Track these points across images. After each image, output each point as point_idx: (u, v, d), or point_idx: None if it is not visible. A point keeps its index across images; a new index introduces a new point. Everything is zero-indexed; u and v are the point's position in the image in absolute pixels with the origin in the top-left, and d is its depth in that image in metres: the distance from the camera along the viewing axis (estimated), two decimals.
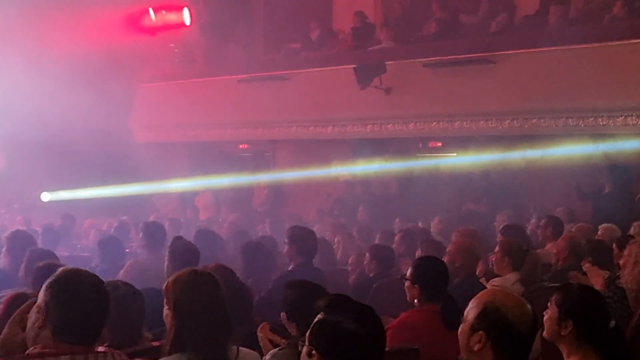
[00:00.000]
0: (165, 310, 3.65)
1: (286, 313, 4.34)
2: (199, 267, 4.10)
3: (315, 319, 2.79)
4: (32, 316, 3.10)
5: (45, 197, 15.95)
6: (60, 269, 3.21)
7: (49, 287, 3.11)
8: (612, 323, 3.69)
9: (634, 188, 11.25)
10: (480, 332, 3.08)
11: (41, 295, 3.12)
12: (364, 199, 14.07)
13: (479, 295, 3.24)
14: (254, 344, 4.07)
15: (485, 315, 3.09)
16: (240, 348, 3.69)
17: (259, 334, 4.51)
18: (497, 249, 6.82)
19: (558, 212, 10.68)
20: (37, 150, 14.73)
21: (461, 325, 3.19)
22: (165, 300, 3.67)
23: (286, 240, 6.84)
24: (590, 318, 3.63)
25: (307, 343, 2.77)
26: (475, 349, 3.09)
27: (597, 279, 5.92)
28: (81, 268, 3.33)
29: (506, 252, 6.68)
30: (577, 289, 3.82)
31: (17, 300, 3.89)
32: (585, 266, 6.94)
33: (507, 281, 6.38)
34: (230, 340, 3.63)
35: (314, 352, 2.73)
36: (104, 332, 4.03)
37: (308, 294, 4.24)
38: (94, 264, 7.81)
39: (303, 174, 15.32)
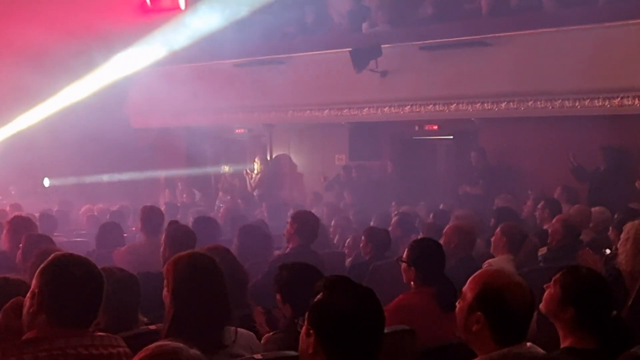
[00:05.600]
0: (165, 292, 3.63)
1: (280, 295, 4.31)
2: (198, 250, 4.10)
3: (315, 300, 2.79)
4: (27, 302, 3.11)
5: (47, 183, 15.99)
6: (52, 255, 3.20)
7: (42, 272, 3.11)
8: (614, 314, 3.69)
9: (630, 169, 11.27)
10: (479, 313, 3.09)
11: (34, 281, 3.12)
12: (359, 182, 14.10)
13: (478, 274, 3.25)
14: (248, 327, 4.08)
15: (485, 297, 3.10)
16: (238, 329, 3.69)
17: (256, 319, 4.48)
18: (497, 229, 6.82)
19: (557, 192, 10.72)
20: (35, 137, 14.77)
21: (459, 303, 3.20)
22: (165, 282, 3.66)
23: (289, 219, 6.85)
24: (592, 308, 3.56)
25: (305, 323, 2.78)
26: (474, 329, 3.11)
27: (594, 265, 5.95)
28: (73, 252, 3.32)
29: (505, 233, 6.68)
30: (584, 276, 3.67)
31: None
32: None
33: (501, 262, 6.34)
34: (228, 323, 3.63)
35: (312, 332, 2.74)
36: (99, 316, 4.05)
37: (302, 275, 4.24)
38: (90, 249, 7.80)
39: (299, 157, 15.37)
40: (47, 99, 15.46)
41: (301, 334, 2.79)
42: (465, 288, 3.20)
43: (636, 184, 10.59)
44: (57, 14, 14.60)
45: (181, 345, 2.48)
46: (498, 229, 6.83)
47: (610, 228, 7.52)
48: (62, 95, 15.60)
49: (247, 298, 4.75)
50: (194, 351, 2.46)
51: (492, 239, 6.85)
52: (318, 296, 2.80)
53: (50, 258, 3.16)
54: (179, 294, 3.54)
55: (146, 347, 2.48)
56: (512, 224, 7.10)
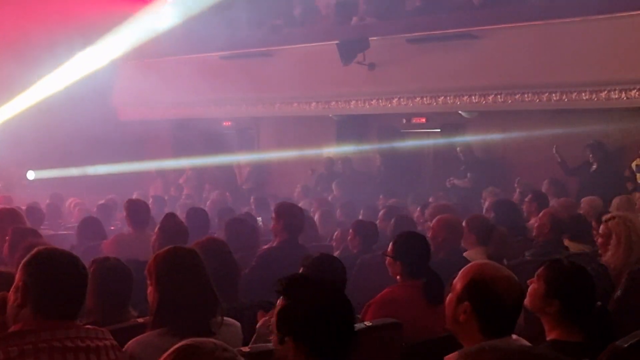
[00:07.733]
0: (149, 289, 3.68)
1: (304, 268, 4.38)
2: (180, 244, 4.12)
3: (277, 307, 2.79)
4: (11, 296, 3.12)
5: (31, 175, 15.92)
6: (35, 248, 3.23)
7: (26, 266, 3.13)
8: (598, 304, 3.71)
9: (618, 163, 11.31)
10: (467, 303, 3.10)
11: (18, 274, 3.14)
12: (346, 175, 14.10)
13: (468, 266, 3.26)
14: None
15: (472, 287, 3.11)
16: (225, 318, 3.72)
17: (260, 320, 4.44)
18: (463, 223, 6.60)
19: (544, 186, 10.72)
20: (21, 130, 14.69)
21: (449, 295, 3.22)
22: (148, 278, 3.70)
23: (273, 215, 6.82)
24: (577, 299, 3.58)
25: (276, 331, 2.78)
26: (461, 319, 3.12)
27: None
28: (56, 247, 3.36)
29: (472, 228, 6.55)
30: (567, 268, 3.69)
31: None
32: (566, 242, 6.97)
33: (475, 255, 6.13)
34: (216, 314, 3.65)
35: (285, 338, 2.74)
36: (91, 306, 4.07)
37: (326, 259, 4.45)
38: (74, 244, 7.77)
39: (287, 150, 15.35)
40: (30, 89, 15.38)
41: (274, 342, 2.78)
42: (455, 280, 3.22)
43: (626, 173, 10.60)
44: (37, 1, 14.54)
45: (211, 342, 2.29)
46: (464, 222, 6.61)
47: (593, 222, 7.49)
48: (45, 86, 15.52)
49: (238, 292, 4.75)
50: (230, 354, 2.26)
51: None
52: (279, 301, 2.80)
53: (33, 252, 3.18)
54: (161, 287, 3.61)
55: (173, 348, 2.24)
56: (476, 216, 7.01)
